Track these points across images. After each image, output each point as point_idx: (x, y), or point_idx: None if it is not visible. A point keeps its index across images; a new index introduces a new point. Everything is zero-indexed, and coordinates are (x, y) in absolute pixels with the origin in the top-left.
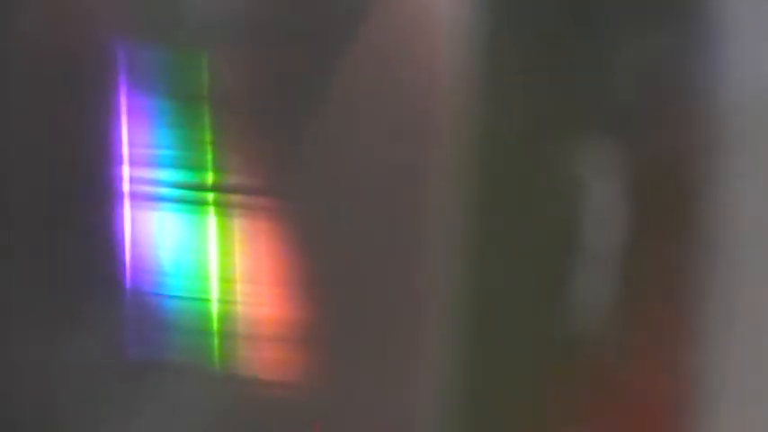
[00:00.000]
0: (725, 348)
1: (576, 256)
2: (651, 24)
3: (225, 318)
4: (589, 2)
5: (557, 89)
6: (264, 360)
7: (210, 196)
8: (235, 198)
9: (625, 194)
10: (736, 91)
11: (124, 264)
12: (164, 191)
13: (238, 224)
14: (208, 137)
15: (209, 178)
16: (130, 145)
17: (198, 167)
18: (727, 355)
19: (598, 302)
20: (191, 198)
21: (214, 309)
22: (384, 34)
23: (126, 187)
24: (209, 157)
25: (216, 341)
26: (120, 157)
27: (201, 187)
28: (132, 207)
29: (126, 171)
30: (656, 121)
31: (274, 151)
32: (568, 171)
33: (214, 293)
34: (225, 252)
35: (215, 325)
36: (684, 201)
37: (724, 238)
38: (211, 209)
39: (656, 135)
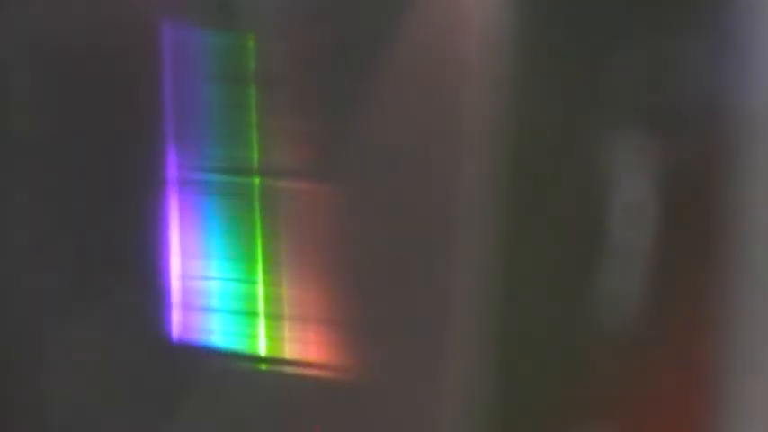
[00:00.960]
0: (754, 345)
1: (605, 253)
2: (682, 24)
3: (270, 300)
4: (619, 3)
5: (587, 88)
6: (308, 343)
7: (256, 180)
8: (280, 182)
9: (654, 192)
10: (765, 91)
11: (170, 247)
12: (209, 174)
13: (283, 207)
14: (254, 120)
15: (255, 161)
16: (176, 128)
17: (243, 151)
18: (756, 352)
19: (627, 300)
20: (236, 181)
21: (259, 292)
22: (421, 27)
23: (171, 170)
24: (255, 140)
25: (261, 324)
26: (166, 140)
27: (247, 171)
28: (178, 190)
29: (171, 154)
30: (686, 119)
31: (319, 135)
32: (598, 168)
33: (259, 276)
34: (269, 235)
35: (260, 308)
36: (712, 198)
37: (752, 235)
38: (256, 192)
39: (686, 133)
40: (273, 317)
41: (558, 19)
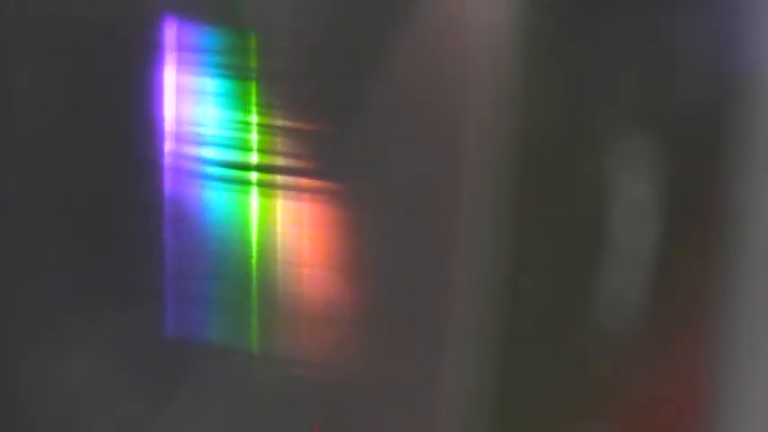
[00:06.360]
0: (753, 345)
1: (607, 254)
2: (686, 25)
3: (265, 298)
4: (622, 4)
5: (590, 89)
6: (303, 340)
7: (254, 176)
8: (277, 179)
9: (657, 193)
10: None
11: (165, 242)
12: (208, 169)
13: (280, 204)
14: (253, 117)
15: (253, 158)
16: (176, 123)
17: (242, 147)
18: (756, 352)
19: (628, 300)
20: (234, 177)
21: (254, 289)
22: (424, 25)
23: (170, 165)
24: (254, 136)
25: (256, 321)
26: (165, 134)
27: (245, 167)
28: (175, 185)
29: (171, 149)
30: (689, 119)
31: (319, 133)
32: (601, 170)
33: (255, 273)
34: (266, 232)
35: (255, 305)
36: (715, 200)
37: (755, 237)
38: (254, 189)
39: (688, 134)
40: (268, 313)
41: (563, 18)
